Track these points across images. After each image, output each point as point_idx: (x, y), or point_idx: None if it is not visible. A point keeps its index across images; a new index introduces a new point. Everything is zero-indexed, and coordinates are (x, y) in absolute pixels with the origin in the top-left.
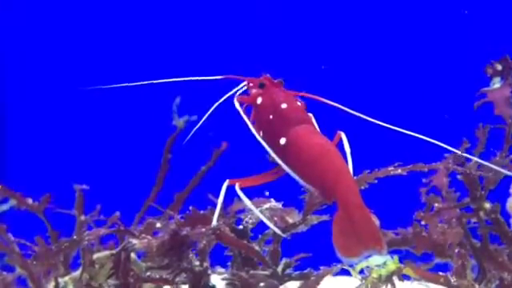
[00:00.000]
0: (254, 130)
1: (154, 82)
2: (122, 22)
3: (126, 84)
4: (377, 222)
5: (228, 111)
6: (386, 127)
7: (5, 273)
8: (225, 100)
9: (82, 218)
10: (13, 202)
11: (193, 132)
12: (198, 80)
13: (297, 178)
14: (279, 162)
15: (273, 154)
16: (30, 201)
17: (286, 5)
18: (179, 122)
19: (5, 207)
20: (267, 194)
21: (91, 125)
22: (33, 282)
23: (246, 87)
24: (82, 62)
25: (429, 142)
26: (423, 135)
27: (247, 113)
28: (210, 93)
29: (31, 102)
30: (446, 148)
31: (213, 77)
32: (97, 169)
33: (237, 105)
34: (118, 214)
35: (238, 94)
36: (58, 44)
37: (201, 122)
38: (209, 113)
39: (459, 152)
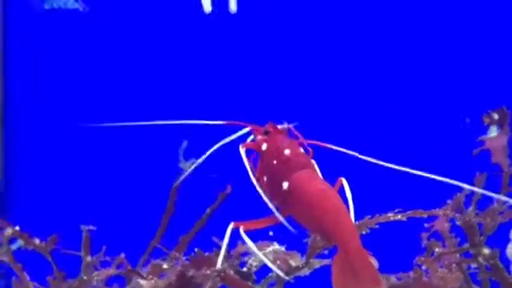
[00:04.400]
0: (253, 179)
1: (155, 123)
2: (126, 55)
3: (127, 123)
4: (376, 264)
5: (234, 155)
6: (391, 168)
7: None
8: (230, 144)
9: (89, 258)
10: (20, 243)
11: (191, 170)
12: (201, 124)
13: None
14: (273, 210)
15: (269, 204)
16: (37, 241)
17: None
18: (185, 164)
19: (13, 247)
20: (271, 234)
21: (97, 165)
22: None
23: (251, 134)
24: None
25: (433, 180)
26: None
27: (253, 159)
28: (218, 138)
29: (35, 138)
30: (446, 190)
31: (216, 121)
32: (101, 209)
33: (242, 152)
34: (123, 255)
35: (248, 140)
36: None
37: (199, 161)
38: (209, 153)
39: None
